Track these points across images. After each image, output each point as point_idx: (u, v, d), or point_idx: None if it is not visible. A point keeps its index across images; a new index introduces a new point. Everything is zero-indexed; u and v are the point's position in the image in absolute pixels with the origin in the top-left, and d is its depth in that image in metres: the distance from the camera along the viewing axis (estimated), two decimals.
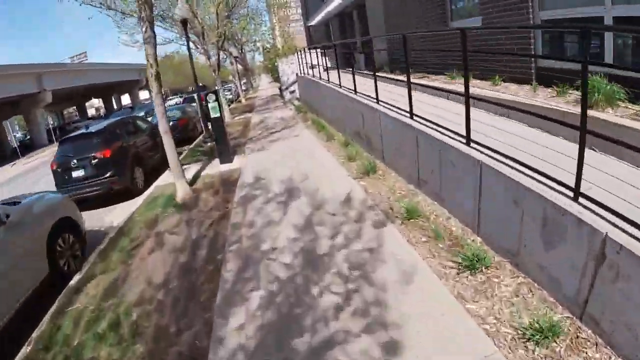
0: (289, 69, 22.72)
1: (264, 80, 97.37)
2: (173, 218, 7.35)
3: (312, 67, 16.14)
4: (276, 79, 45.25)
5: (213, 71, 19.50)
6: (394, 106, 7.01)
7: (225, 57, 37.66)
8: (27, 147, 41.92)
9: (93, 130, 10.56)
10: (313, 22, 28.35)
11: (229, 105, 30.96)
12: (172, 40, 19.25)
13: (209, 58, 19.23)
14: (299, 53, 19.58)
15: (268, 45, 30.57)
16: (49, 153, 36.72)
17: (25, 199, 6.62)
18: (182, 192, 8.33)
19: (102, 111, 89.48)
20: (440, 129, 5.37)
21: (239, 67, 43.89)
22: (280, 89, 27.68)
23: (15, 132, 45.91)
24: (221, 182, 8.93)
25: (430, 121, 5.67)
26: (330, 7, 21.03)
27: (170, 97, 61.88)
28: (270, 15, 40.98)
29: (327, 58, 15.14)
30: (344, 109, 10.37)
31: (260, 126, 15.99)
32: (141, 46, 19.08)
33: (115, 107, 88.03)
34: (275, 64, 25.10)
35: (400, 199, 5.92)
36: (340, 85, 10.66)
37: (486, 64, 8.40)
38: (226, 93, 38.29)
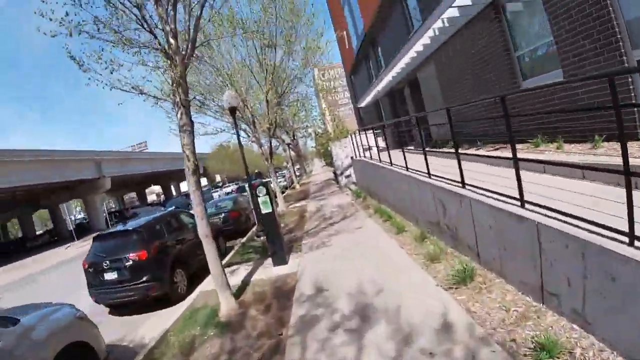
0: (342, 152, 21.76)
1: (316, 165, 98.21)
2: (213, 344, 5.80)
3: (369, 148, 14.98)
4: (329, 163, 44.86)
5: (265, 159, 18.77)
6: (489, 190, 5.41)
7: (277, 144, 37.88)
8: (85, 229, 42.49)
9: (130, 228, 9.46)
10: (363, 104, 27.83)
11: (283, 193, 30.22)
12: (223, 129, 18.87)
13: (260, 146, 18.59)
14: (352, 135, 18.64)
15: (319, 130, 30.20)
16: None
17: (29, 313, 5.39)
18: (226, 306, 6.85)
19: (162, 197, 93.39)
20: (577, 221, 3.73)
21: (292, 153, 43.97)
22: (334, 173, 26.67)
23: (75, 215, 47.47)
24: (274, 293, 7.31)
25: (556, 211, 4.03)
26: (379, 87, 20.31)
27: (227, 185, 62.98)
28: (319, 100, 41.18)
29: (383, 138, 14.02)
30: (413, 195, 8.82)
31: (317, 215, 14.66)
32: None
33: (174, 193, 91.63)
34: (328, 148, 24.27)
35: (521, 322, 4.15)
36: (406, 167, 9.22)
37: (574, 124, 7.16)
38: (280, 180, 37.97)
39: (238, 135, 13.32)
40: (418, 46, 13.49)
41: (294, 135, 40.76)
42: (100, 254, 9.02)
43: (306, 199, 21.67)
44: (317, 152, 42.22)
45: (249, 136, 18.80)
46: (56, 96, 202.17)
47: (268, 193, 8.99)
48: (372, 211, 12.44)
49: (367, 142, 15.62)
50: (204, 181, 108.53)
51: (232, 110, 13.28)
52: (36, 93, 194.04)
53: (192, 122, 6.68)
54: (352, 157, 20.02)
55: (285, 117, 26.78)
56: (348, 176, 21.45)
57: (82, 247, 31.31)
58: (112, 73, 6.48)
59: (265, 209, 8.88)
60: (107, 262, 8.72)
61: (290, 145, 40.84)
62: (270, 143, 18.99)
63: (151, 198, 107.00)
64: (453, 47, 12.19)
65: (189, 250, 10.18)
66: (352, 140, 18.60)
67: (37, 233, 54.74)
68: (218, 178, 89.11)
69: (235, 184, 49.77)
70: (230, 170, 69.51)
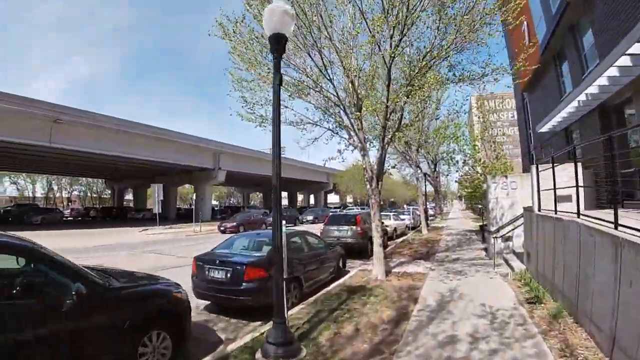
0: (506, 198, 12.77)
1: (455, 207, 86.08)
2: None
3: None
4: (476, 208, 34.28)
5: (368, 180, 10.51)
6: None
7: (413, 172, 29.42)
8: (190, 216, 39.24)
9: None
10: (544, 128, 18.02)
11: (398, 238, 21.69)
12: (309, 121, 11.14)
13: (363, 155, 10.46)
14: (536, 171, 9.56)
15: (469, 162, 20.67)
16: (186, 228, 33.34)
17: None
18: None
19: (284, 203, 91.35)
20: None
21: (429, 187, 34.92)
22: (482, 227, 17.42)
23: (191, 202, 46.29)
24: None
25: None
26: (578, 99, 11.18)
27: (351, 207, 55.50)
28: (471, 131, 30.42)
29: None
30: None
31: (433, 332, 6.03)
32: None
33: (302, 203, 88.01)
34: (483, 184, 15.12)
35: None
36: None
37: None
38: (404, 217, 29.20)
39: (277, 101, 5.57)
40: None
41: (435, 165, 31.87)
42: None
43: (427, 261, 13.04)
44: (460, 189, 32.27)
45: (350, 135, 10.81)
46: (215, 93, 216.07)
47: None
48: None
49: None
50: (335, 198, 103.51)
51: (277, 42, 5.63)
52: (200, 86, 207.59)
53: None
54: (525, 208, 11.03)
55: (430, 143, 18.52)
56: (508, 239, 12.36)
57: (157, 234, 29.62)
58: None
59: None
60: None
61: (429, 177, 31.95)
62: (382, 153, 10.59)
63: (285, 202, 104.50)
64: None
65: None
66: (537, 178, 9.55)
67: (148, 207, 54.01)
68: (350, 199, 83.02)
69: (362, 208, 41.68)
70: (359, 193, 62.95)
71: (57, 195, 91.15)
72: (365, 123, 10.50)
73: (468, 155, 20.12)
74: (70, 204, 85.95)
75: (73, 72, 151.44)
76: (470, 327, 6.16)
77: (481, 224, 18.50)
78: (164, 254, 16.98)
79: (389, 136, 10.19)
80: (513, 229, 12.13)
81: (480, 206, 26.36)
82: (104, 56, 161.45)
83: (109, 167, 47.46)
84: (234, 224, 30.89)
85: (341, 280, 10.35)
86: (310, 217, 42.57)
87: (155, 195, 31.54)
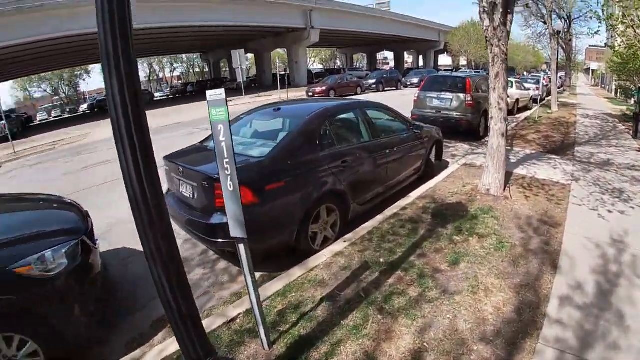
0: None
1: (581, 80, 73.87)
2: None
3: None
4: (621, 86, 26.55)
5: (486, 11, 5.95)
6: None
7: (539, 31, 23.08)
8: (283, 83, 37.32)
9: None
10: None
11: (520, 114, 17.12)
12: None
13: None
14: None
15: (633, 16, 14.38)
16: (276, 95, 28.93)
17: None
18: None
19: (391, 65, 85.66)
20: None
21: (561, 53, 27.95)
22: (638, 116, 12.20)
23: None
24: None
25: None
26: None
27: (462, 70, 48.66)
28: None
29: None
30: None
31: None
32: None
33: (412, 65, 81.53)
34: None
35: None
36: None
37: None
38: (528, 86, 23.37)
39: None
40: None
41: (570, 23, 24.92)
42: None
43: (565, 159, 9.07)
44: (612, 56, 24.73)
45: None
46: None
47: None
48: None
49: None
50: (447, 60, 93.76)
51: None
52: None
53: None
54: None
55: None
56: None
57: (239, 104, 25.27)
58: None
59: None
60: None
61: (561, 38, 25.02)
62: None
63: (392, 64, 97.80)
64: None
65: None
66: None
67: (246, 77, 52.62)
68: (463, 61, 74.10)
69: (475, 71, 35.21)
70: (474, 54, 55.65)
71: (161, 75, 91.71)
72: None
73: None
74: (179, 81, 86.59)
75: None
76: None
77: (635, 110, 13.31)
78: None
79: None
80: None
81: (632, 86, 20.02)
82: None
83: (188, 41, 44.90)
84: (323, 88, 27.60)
85: (430, 185, 6.84)
86: (415, 80, 36.83)
87: (238, 62, 28.23)
